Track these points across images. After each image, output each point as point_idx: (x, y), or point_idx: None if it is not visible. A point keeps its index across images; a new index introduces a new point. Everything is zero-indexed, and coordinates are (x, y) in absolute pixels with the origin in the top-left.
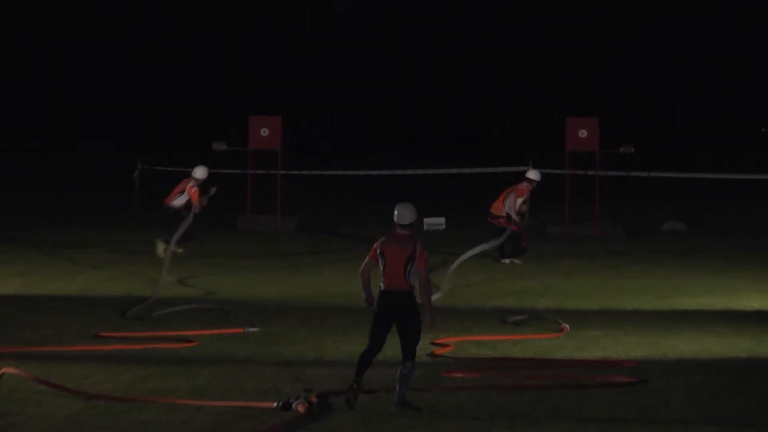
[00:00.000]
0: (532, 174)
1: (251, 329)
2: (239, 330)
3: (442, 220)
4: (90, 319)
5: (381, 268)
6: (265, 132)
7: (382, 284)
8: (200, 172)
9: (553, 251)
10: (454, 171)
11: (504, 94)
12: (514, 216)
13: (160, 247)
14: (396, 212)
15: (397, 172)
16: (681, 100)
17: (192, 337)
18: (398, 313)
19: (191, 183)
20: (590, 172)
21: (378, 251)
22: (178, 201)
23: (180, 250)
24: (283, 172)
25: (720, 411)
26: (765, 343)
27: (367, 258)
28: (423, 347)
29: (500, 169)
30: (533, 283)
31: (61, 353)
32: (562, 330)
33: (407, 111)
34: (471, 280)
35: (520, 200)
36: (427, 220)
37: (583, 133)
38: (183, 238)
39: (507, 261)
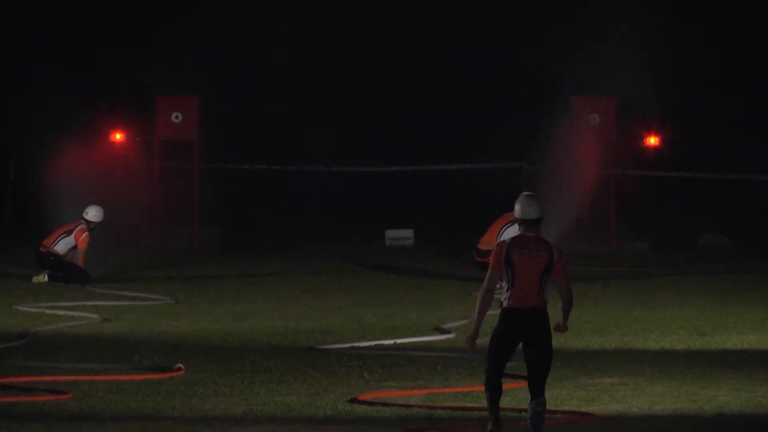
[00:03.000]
0: None
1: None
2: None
3: (409, 232)
4: None
5: (507, 280)
6: (177, 117)
7: (506, 300)
8: (93, 213)
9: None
10: (424, 168)
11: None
12: None
13: (42, 276)
14: (519, 206)
15: (348, 168)
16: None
17: (67, 389)
18: (530, 336)
19: (81, 226)
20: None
21: (503, 258)
22: (62, 246)
23: (44, 278)
24: (201, 165)
25: None
26: None
27: (490, 270)
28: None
29: (484, 166)
30: None
31: None
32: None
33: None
34: (452, 313)
35: None
36: (389, 233)
37: (594, 119)
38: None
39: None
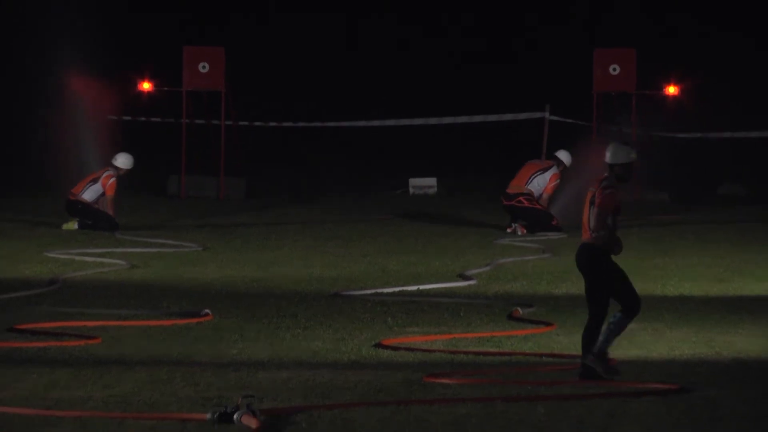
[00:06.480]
0: (564, 156)
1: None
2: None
3: (432, 180)
4: None
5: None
6: (204, 67)
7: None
8: (122, 160)
9: (575, 223)
10: (447, 121)
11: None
12: (544, 196)
13: (72, 224)
14: (609, 151)
15: (375, 123)
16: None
17: (96, 334)
18: (585, 269)
19: (108, 173)
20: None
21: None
22: (89, 194)
23: (74, 226)
24: (229, 123)
25: None
26: None
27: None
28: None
29: (508, 117)
30: (551, 263)
31: None
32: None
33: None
34: (474, 260)
35: (554, 184)
36: (413, 181)
37: (614, 69)
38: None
39: (510, 230)
